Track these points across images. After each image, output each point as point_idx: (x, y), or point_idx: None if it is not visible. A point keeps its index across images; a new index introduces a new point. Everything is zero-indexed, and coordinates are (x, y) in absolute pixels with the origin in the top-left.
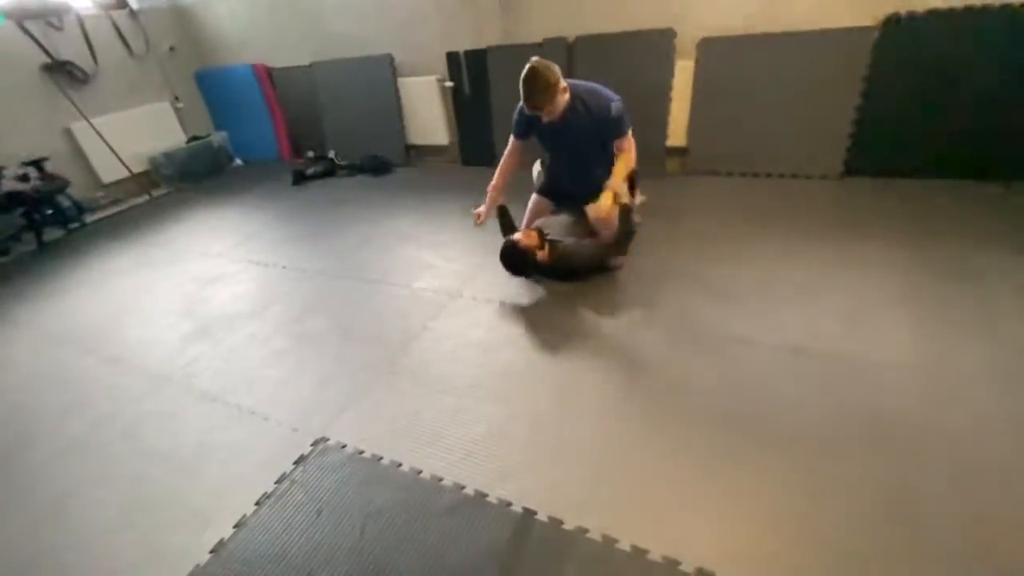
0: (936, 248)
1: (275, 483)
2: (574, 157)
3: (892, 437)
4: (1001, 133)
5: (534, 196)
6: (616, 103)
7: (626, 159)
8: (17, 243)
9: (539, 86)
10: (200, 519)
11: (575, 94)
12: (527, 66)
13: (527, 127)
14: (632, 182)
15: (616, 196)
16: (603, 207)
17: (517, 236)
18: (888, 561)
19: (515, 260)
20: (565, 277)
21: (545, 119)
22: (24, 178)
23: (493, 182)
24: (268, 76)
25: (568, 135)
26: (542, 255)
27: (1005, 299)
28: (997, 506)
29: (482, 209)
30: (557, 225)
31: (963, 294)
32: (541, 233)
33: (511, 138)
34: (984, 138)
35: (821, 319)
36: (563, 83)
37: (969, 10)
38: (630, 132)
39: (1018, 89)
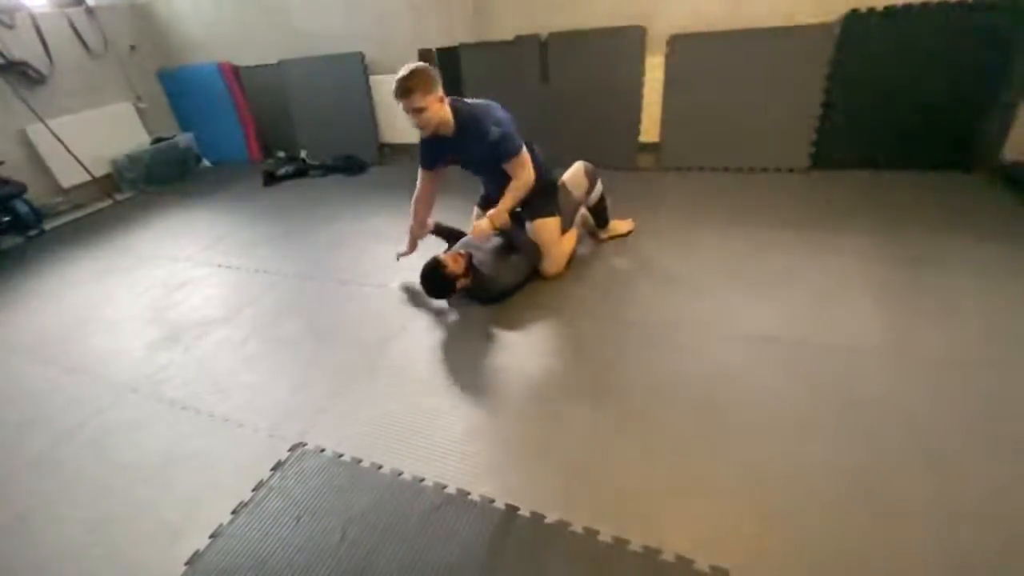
0: (900, 236)
1: (252, 491)
2: (488, 176)
3: (863, 421)
4: (960, 125)
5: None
6: (495, 129)
7: (514, 186)
8: None
9: (415, 74)
10: (173, 531)
11: (467, 113)
12: (414, 63)
13: (432, 154)
14: (602, 210)
15: (491, 221)
16: (477, 228)
17: (444, 258)
18: (863, 540)
19: (436, 283)
20: (487, 302)
21: (418, 124)
22: None
23: (411, 221)
24: (235, 75)
25: (472, 154)
26: (464, 283)
27: (966, 283)
28: (962, 486)
29: (404, 249)
30: (489, 247)
31: (927, 280)
32: (469, 259)
33: (419, 171)
34: (944, 130)
35: (792, 308)
36: (441, 93)
37: (925, 7)
38: (521, 154)
39: (973, 82)
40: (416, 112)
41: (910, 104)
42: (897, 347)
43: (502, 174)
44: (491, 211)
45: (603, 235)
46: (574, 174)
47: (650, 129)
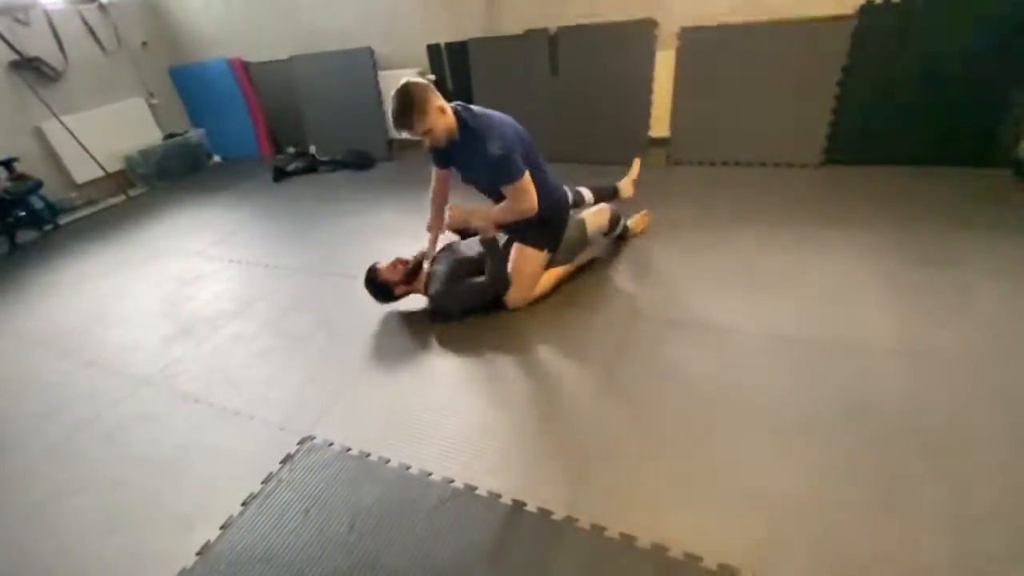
0: (914, 234)
1: (262, 483)
2: (489, 196)
3: (875, 421)
4: (977, 120)
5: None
6: (497, 150)
7: (509, 207)
8: None
9: (406, 103)
10: (185, 522)
11: (471, 126)
12: (399, 86)
13: (440, 156)
14: (615, 224)
15: (469, 217)
16: (454, 208)
17: (380, 266)
18: (876, 542)
19: (373, 288)
20: (449, 312)
21: (428, 143)
22: None
23: (428, 221)
24: (245, 71)
25: (472, 170)
26: (403, 291)
27: (980, 282)
28: (979, 488)
29: (425, 252)
30: (465, 250)
31: (940, 278)
32: (410, 270)
33: (433, 169)
34: (960, 124)
35: (803, 305)
36: (439, 103)
37: None
38: (521, 180)
39: (991, 75)
40: (424, 136)
41: (926, 98)
42: (912, 346)
43: (490, 191)
44: (482, 209)
45: (631, 238)
46: (597, 213)
47: (660, 123)
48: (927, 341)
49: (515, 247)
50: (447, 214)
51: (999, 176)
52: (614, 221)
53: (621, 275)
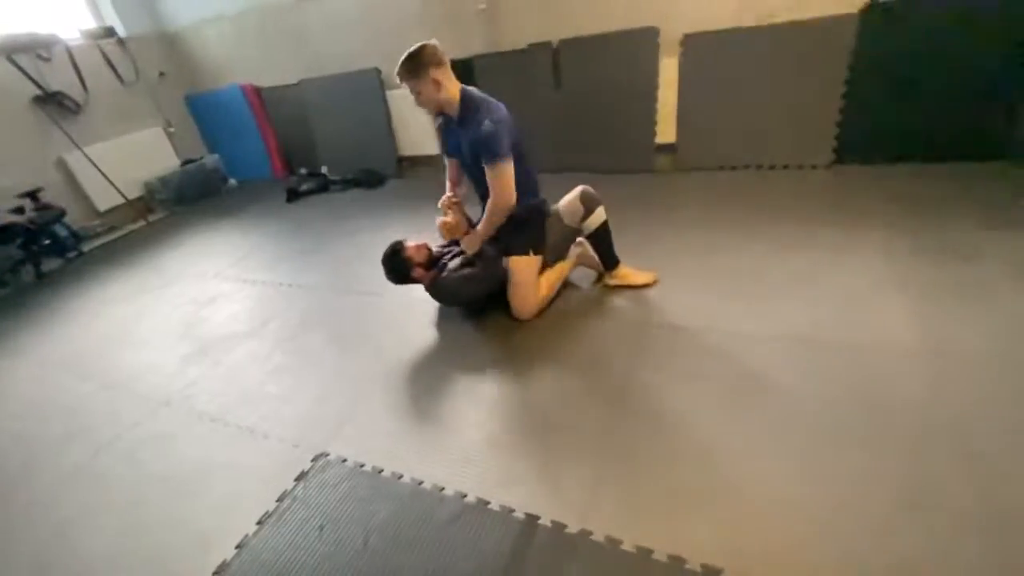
0: (931, 231)
1: (276, 501)
2: (475, 181)
3: (898, 423)
4: (987, 112)
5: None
6: (488, 123)
7: (490, 208)
8: (16, 275)
9: (408, 58)
10: (202, 541)
11: (470, 100)
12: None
13: (447, 140)
14: (606, 245)
15: (465, 245)
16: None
17: (407, 243)
18: (899, 552)
19: (394, 266)
20: (443, 302)
21: (420, 103)
22: (19, 210)
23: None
24: (257, 96)
25: (467, 143)
26: (420, 275)
27: (1002, 280)
28: (1006, 489)
29: (449, 220)
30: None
31: (960, 276)
32: (432, 254)
33: (445, 159)
34: (973, 119)
35: (820, 307)
36: (437, 76)
37: None
38: (502, 162)
39: (1003, 68)
40: (415, 95)
41: (937, 93)
42: (933, 346)
43: (480, 179)
44: (469, 235)
45: (611, 281)
46: (570, 200)
47: (666, 130)
48: (948, 341)
49: (509, 262)
50: (439, 226)
51: (1016, 172)
52: (588, 201)
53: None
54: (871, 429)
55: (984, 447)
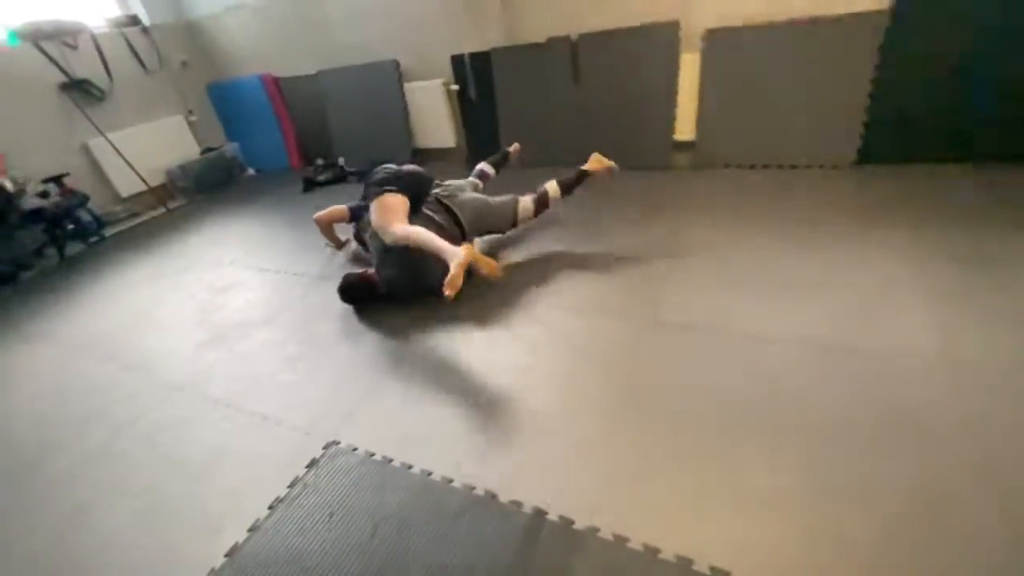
0: (955, 234)
1: (288, 487)
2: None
3: (917, 431)
4: (1018, 112)
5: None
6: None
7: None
8: (40, 258)
9: None
10: (215, 524)
11: None
12: None
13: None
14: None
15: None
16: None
17: (358, 272)
18: (911, 561)
19: (355, 292)
20: (400, 292)
21: None
22: (45, 195)
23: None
24: (277, 86)
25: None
26: (371, 275)
27: None
28: (1021, 501)
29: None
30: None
31: (985, 281)
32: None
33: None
34: (1005, 118)
35: (839, 310)
36: None
37: None
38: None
39: None
40: None
41: (966, 91)
42: (955, 353)
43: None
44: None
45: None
46: (526, 206)
47: (685, 127)
48: (971, 348)
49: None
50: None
51: None
52: (541, 204)
53: (644, 281)
54: (883, 435)
55: (999, 459)
